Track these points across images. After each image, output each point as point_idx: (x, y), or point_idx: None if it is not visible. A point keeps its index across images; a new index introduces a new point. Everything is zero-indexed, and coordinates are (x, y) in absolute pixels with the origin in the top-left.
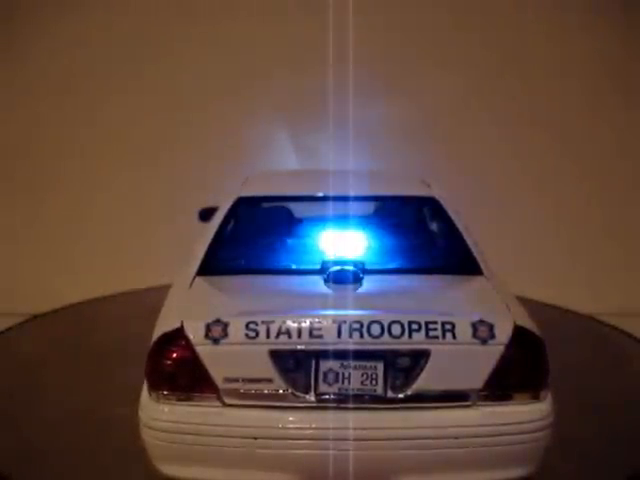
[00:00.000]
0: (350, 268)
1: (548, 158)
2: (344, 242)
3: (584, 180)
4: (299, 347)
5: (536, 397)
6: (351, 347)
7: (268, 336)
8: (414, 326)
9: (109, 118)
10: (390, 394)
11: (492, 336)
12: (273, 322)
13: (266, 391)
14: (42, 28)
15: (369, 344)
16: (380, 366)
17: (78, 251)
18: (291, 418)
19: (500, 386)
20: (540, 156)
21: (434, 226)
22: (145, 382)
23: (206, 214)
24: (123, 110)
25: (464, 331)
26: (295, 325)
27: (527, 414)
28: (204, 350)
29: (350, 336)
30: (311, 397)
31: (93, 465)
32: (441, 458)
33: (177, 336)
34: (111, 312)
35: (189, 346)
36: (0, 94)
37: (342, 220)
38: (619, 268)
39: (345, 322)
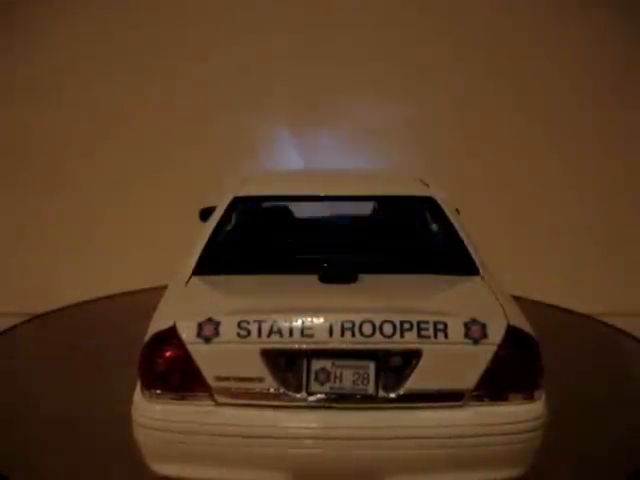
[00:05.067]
0: (344, 267)
1: (548, 158)
2: (340, 241)
3: (585, 180)
4: (291, 346)
5: (530, 397)
6: (343, 346)
7: (260, 335)
8: (406, 325)
9: (109, 118)
10: (382, 394)
11: (484, 336)
12: (265, 321)
13: (258, 390)
14: (44, 25)
15: (361, 343)
16: (372, 366)
17: (78, 251)
18: (283, 417)
19: (493, 386)
20: (540, 156)
21: (432, 226)
22: (138, 381)
23: (207, 214)
24: (123, 110)
25: (456, 331)
26: (287, 324)
27: (520, 414)
28: (196, 349)
29: (342, 335)
30: (303, 396)
31: (93, 465)
32: (433, 458)
33: (169, 335)
34: (111, 312)
35: (181, 345)
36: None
37: (339, 219)
38: (619, 268)
39: (337, 321)
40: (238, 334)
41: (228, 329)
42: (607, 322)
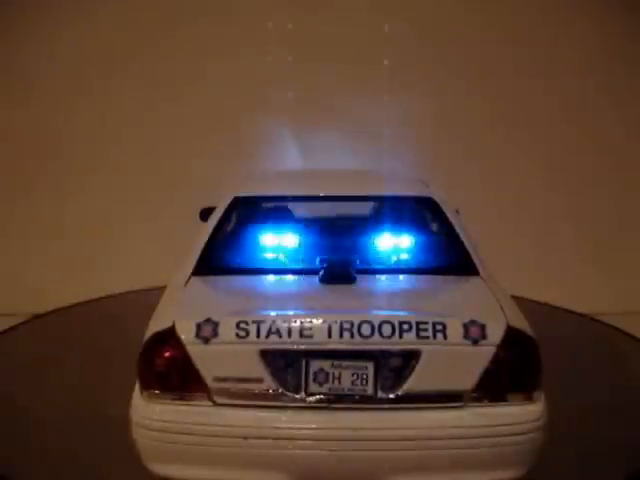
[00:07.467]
0: (344, 268)
1: (549, 158)
2: (340, 242)
3: (585, 180)
4: (289, 347)
5: (529, 398)
6: (341, 347)
7: (258, 336)
8: (405, 326)
9: (108, 117)
10: (380, 394)
11: (484, 337)
12: (264, 322)
13: (256, 391)
14: (42, 27)
15: (359, 344)
16: (370, 366)
17: (78, 251)
18: (281, 418)
19: (492, 387)
20: (540, 155)
21: (431, 226)
22: (137, 382)
23: (207, 214)
24: (122, 110)
25: (455, 331)
26: (285, 325)
27: (520, 415)
28: (195, 350)
29: (341, 336)
30: (301, 397)
31: (93, 465)
32: (432, 459)
33: (168, 336)
34: (111, 312)
35: (180, 346)
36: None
37: (339, 220)
38: (619, 268)
39: (336, 322)
40: (237, 334)
41: (227, 329)
42: (606, 322)
